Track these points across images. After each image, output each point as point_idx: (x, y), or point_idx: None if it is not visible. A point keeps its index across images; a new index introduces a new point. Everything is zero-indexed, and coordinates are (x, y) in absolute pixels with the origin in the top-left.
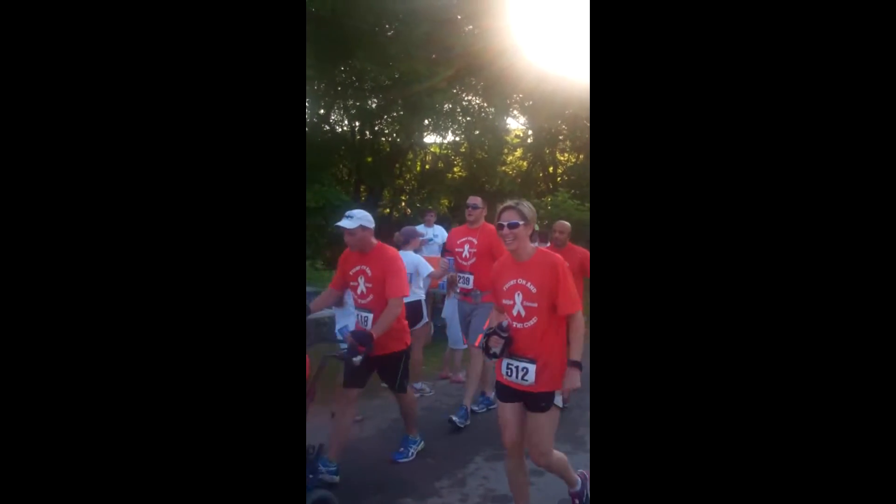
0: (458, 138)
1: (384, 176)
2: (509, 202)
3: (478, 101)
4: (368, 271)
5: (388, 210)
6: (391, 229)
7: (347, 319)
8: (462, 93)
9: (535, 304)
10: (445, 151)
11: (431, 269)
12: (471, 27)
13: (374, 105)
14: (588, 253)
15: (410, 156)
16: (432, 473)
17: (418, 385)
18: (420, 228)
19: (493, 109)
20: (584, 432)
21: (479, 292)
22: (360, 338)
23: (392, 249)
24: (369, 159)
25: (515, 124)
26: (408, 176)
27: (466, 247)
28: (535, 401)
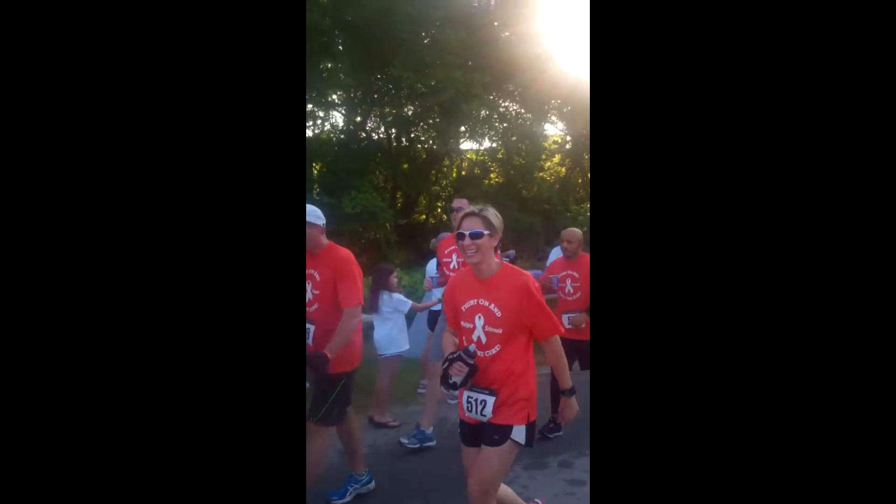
0: (494, 144)
1: (420, 182)
2: (472, 208)
3: (515, 107)
4: (317, 275)
5: (423, 216)
6: (427, 236)
7: (385, 326)
8: (499, 99)
9: (500, 331)
10: (482, 158)
11: None
12: (507, 33)
13: (410, 112)
14: None
15: (447, 162)
16: None
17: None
18: None
19: (530, 115)
20: None
21: None
22: (312, 361)
23: (345, 251)
24: (405, 166)
25: (553, 130)
26: (444, 182)
27: (454, 256)
28: (489, 432)
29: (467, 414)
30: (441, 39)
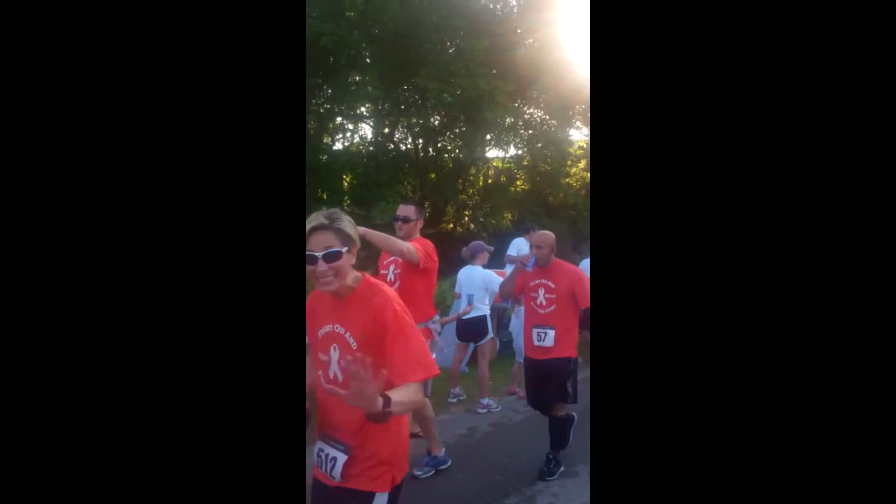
0: (520, 152)
1: (447, 191)
2: (321, 219)
3: (540, 114)
4: None
5: (451, 225)
6: (455, 245)
7: None
8: (524, 106)
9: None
10: (508, 165)
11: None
12: (530, 40)
13: (436, 122)
14: (582, 273)
15: (473, 171)
16: (500, 490)
17: (485, 400)
18: (521, 241)
19: (554, 121)
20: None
21: None
22: None
23: None
24: (433, 175)
25: (578, 135)
26: (471, 191)
27: (392, 267)
28: (344, 498)
29: (319, 470)
30: (465, 48)
